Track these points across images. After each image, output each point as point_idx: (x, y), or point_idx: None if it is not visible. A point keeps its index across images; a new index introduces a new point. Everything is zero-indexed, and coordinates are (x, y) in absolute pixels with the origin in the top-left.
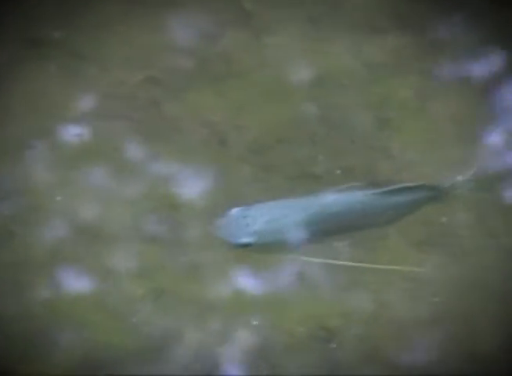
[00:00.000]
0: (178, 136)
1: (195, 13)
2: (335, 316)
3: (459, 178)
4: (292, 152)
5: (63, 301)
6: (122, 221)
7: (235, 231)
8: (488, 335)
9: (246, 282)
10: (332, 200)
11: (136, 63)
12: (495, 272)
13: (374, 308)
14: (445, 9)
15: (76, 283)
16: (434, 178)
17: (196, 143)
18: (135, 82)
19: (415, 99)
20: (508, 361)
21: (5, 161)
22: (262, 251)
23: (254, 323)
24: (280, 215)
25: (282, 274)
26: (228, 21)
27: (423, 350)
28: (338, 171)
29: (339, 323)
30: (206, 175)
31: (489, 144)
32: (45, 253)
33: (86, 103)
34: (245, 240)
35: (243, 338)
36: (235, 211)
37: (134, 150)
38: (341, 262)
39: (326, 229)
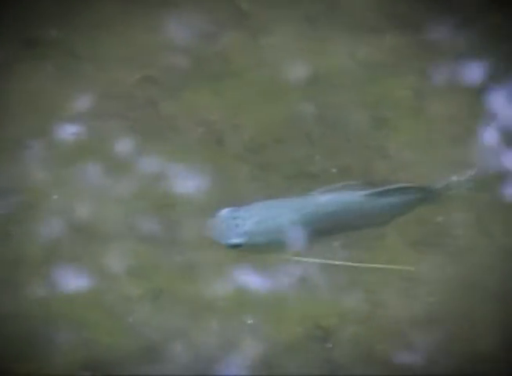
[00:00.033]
0: (174, 135)
1: (191, 13)
2: (332, 316)
3: (454, 178)
4: (289, 151)
5: (60, 301)
6: (119, 220)
7: (225, 232)
8: (484, 335)
9: (244, 281)
10: (324, 200)
11: (133, 62)
12: (491, 272)
13: (370, 307)
14: (441, 9)
15: (72, 282)
16: (430, 178)
17: (192, 142)
18: (131, 81)
19: (411, 99)
20: (505, 361)
21: (2, 160)
22: (253, 251)
23: (249, 321)
24: (271, 215)
25: (279, 274)
26: (224, 21)
27: (419, 350)
28: (334, 170)
29: (335, 322)
30: (203, 174)
31: (486, 144)
32: (41, 252)
33: (83, 102)
34: (235, 240)
35: (241, 338)
36: (225, 211)
37: (131, 149)
38: (333, 262)
39: (318, 230)
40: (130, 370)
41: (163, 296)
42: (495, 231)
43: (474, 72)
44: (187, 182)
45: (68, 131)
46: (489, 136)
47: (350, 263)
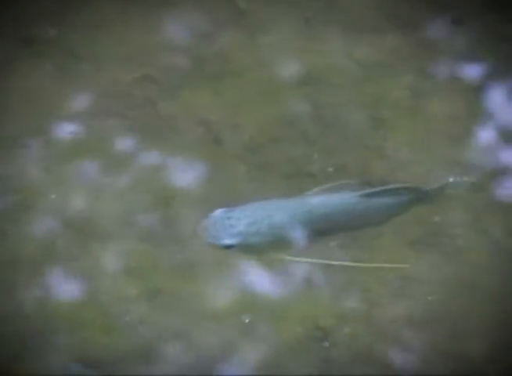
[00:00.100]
0: (173, 135)
1: (190, 12)
2: (330, 316)
3: (450, 179)
4: (287, 150)
5: (57, 301)
6: (116, 219)
7: (218, 232)
8: (481, 334)
9: (243, 281)
10: (319, 201)
11: (132, 61)
12: (488, 271)
13: (368, 307)
14: (439, 8)
15: (69, 282)
16: (428, 177)
17: (191, 142)
18: (130, 81)
19: (409, 99)
20: (502, 360)
21: (0, 161)
22: (247, 252)
23: (246, 321)
24: (265, 216)
25: (277, 274)
26: (222, 20)
27: (416, 350)
28: (332, 170)
29: (333, 322)
30: (201, 173)
31: (484, 144)
32: (38, 252)
33: (81, 101)
34: (228, 241)
35: (240, 338)
36: (219, 212)
37: (129, 149)
38: (327, 262)
39: (313, 230)
40: (127, 369)
41: (160, 295)
42: (493, 231)
43: (472, 71)
44: (185, 182)
45: (66, 130)
46: (488, 136)
47: (344, 263)
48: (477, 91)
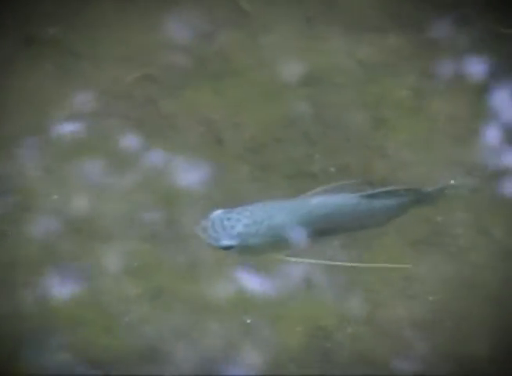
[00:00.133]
0: (174, 134)
1: (191, 11)
2: (331, 316)
3: (451, 181)
4: (288, 151)
5: (58, 301)
6: (118, 219)
7: (217, 233)
8: (484, 335)
9: (245, 281)
10: (318, 202)
11: (132, 60)
12: (490, 271)
13: (370, 307)
14: (441, 8)
15: (71, 282)
16: (429, 178)
17: (193, 141)
18: (131, 80)
19: (411, 99)
20: (504, 361)
21: (1, 160)
22: (246, 253)
23: (248, 321)
24: (264, 217)
25: (279, 274)
26: (224, 19)
27: (418, 350)
28: (333, 170)
29: (335, 322)
30: (203, 173)
31: (486, 143)
32: (38, 252)
33: (82, 101)
34: (227, 242)
35: (241, 338)
36: (217, 213)
37: (130, 148)
38: (326, 262)
39: (312, 231)
40: (129, 369)
41: (163, 295)
42: (495, 231)
43: (475, 71)
44: (187, 181)
45: (67, 130)
46: (490, 136)
47: (345, 263)
48: (480, 91)
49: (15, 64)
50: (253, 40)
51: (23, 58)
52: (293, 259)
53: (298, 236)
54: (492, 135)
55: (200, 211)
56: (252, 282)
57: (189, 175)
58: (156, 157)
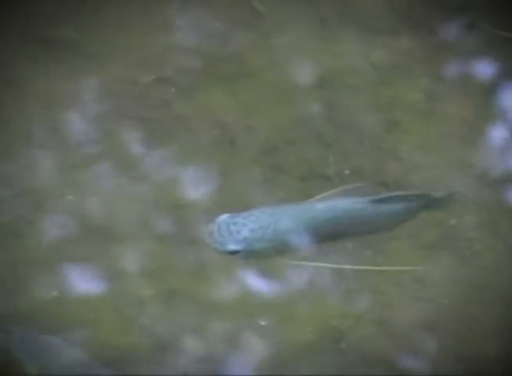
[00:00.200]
0: (188, 136)
1: (205, 13)
2: (344, 318)
3: (460, 187)
4: (302, 153)
5: (72, 301)
6: (131, 220)
7: (223, 238)
8: (496, 337)
9: (256, 283)
10: (325, 206)
11: (147, 62)
12: (502, 275)
13: (381, 309)
14: (451, 10)
15: (85, 282)
16: (441, 180)
17: (206, 143)
18: (146, 82)
19: (424, 101)
20: None
21: (14, 160)
22: (252, 258)
23: (263, 323)
24: (270, 221)
25: (290, 275)
26: (238, 21)
27: (429, 351)
28: (347, 172)
29: (348, 324)
30: (216, 175)
31: (497, 146)
32: (53, 252)
33: (96, 102)
34: (233, 247)
35: (253, 339)
36: (223, 217)
37: (144, 150)
38: (335, 266)
39: (319, 236)
40: (141, 369)
41: (176, 297)
42: (507, 234)
43: (486, 74)
44: (200, 183)
45: (81, 132)
46: (501, 138)
47: (353, 266)
48: (491, 93)
49: (31, 65)
50: (266, 41)
51: (41, 60)
52: (301, 263)
53: (304, 240)
54: (503, 137)
55: (213, 213)
56: (262, 284)
57: (202, 176)
58: (169, 158)
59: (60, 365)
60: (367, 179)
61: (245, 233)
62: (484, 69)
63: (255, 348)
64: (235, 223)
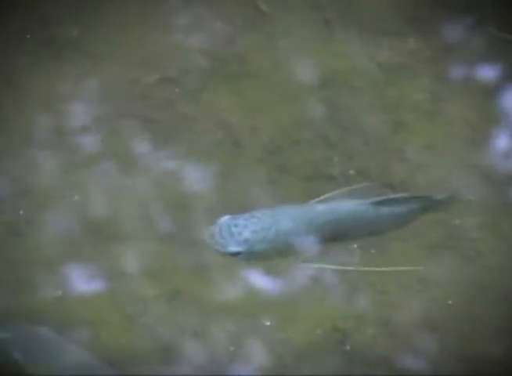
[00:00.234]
0: (192, 136)
1: (210, 14)
2: (347, 319)
3: (462, 188)
4: (307, 153)
5: (75, 301)
6: (133, 220)
7: (224, 239)
8: (500, 337)
9: (259, 283)
10: (326, 208)
11: (151, 62)
12: (507, 275)
13: (386, 310)
14: (456, 11)
15: (88, 282)
16: (447, 181)
17: (210, 144)
18: (150, 82)
19: (429, 102)
20: None
21: (15, 160)
22: (253, 259)
23: (267, 323)
24: (272, 222)
25: (294, 276)
26: (242, 22)
27: (433, 352)
28: (352, 172)
29: (353, 324)
30: (220, 175)
31: (502, 146)
32: (54, 252)
33: (100, 102)
34: (234, 248)
35: (256, 339)
36: (225, 219)
37: (148, 150)
38: (336, 267)
39: (320, 237)
40: (145, 369)
41: (179, 297)
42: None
43: (491, 75)
44: (204, 184)
45: (84, 132)
46: (506, 139)
47: (351, 267)
48: (496, 94)
49: (31, 64)
50: (271, 42)
51: (40, 58)
52: (303, 264)
53: (306, 242)
54: (507, 138)
55: (217, 213)
56: (266, 284)
57: (207, 177)
58: (173, 158)
59: (61, 365)
60: (372, 180)
61: (246, 234)
62: (489, 70)
63: (258, 349)
64: (236, 225)
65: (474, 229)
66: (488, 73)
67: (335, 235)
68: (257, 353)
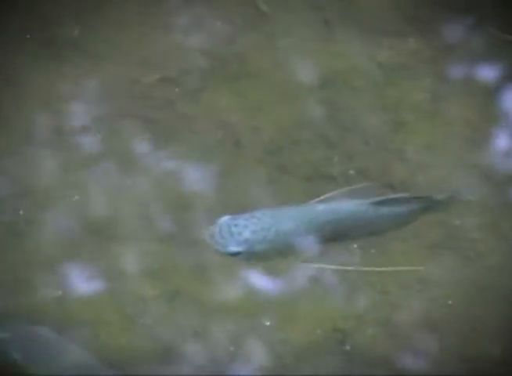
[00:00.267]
0: (192, 136)
1: (210, 13)
2: (348, 319)
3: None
4: (307, 153)
5: (75, 301)
6: (133, 220)
7: (224, 239)
8: (500, 337)
9: (259, 283)
10: (326, 208)
11: (151, 62)
12: (507, 275)
13: (386, 310)
14: (456, 11)
15: (87, 282)
16: (447, 181)
17: (210, 144)
18: (150, 82)
19: (429, 102)
20: None
21: (14, 159)
22: (253, 259)
23: (267, 323)
24: (272, 223)
25: (294, 276)
26: (243, 22)
27: (434, 352)
28: (352, 172)
29: (352, 325)
30: (220, 175)
31: (502, 146)
32: (53, 252)
33: (100, 102)
34: (234, 248)
35: (256, 339)
36: (224, 219)
37: (148, 150)
38: (336, 267)
39: (320, 237)
40: (145, 370)
41: (179, 297)
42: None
43: (492, 75)
44: (204, 184)
45: (83, 131)
46: (506, 139)
47: (352, 268)
48: (495, 94)
49: (31, 64)
50: (271, 42)
51: (42, 59)
52: (303, 264)
53: (306, 242)
54: (507, 138)
55: (217, 213)
56: (266, 284)
57: (207, 177)
58: (173, 158)
59: (60, 365)
60: (372, 180)
61: (246, 234)
62: (489, 70)
63: (258, 349)
64: (236, 225)
65: (474, 229)
66: (488, 73)
67: (335, 235)
68: (257, 353)
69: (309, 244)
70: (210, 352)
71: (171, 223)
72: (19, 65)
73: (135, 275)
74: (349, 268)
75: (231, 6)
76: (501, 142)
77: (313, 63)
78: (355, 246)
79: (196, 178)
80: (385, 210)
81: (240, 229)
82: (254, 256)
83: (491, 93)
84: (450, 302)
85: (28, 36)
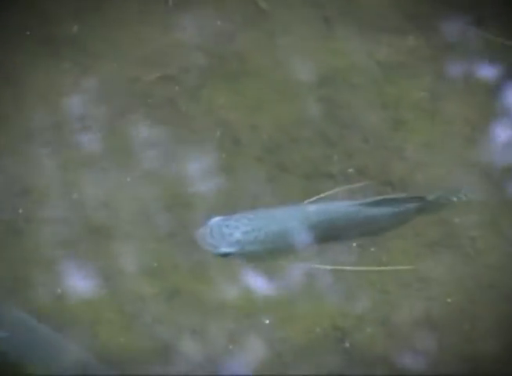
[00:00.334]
0: (192, 135)
1: (209, 12)
2: (347, 317)
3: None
4: (306, 151)
5: (74, 300)
6: (133, 219)
7: (215, 240)
8: (500, 336)
9: (258, 282)
10: (317, 209)
11: (151, 61)
12: (507, 273)
13: (385, 308)
14: (457, 9)
15: (86, 281)
16: (446, 179)
17: (210, 142)
18: (150, 80)
19: (428, 100)
20: None
21: (14, 158)
22: (245, 260)
23: (266, 322)
24: (263, 223)
25: (293, 275)
26: (242, 20)
27: (434, 350)
28: (351, 170)
29: (351, 323)
30: (219, 173)
31: (501, 145)
32: (53, 251)
33: (100, 100)
34: (225, 249)
35: (255, 338)
36: (216, 220)
37: (148, 148)
38: (330, 267)
39: (312, 238)
40: (144, 369)
41: (179, 296)
42: (511, 232)
43: (491, 73)
44: (203, 182)
45: (83, 130)
46: (506, 137)
47: (346, 267)
48: (495, 93)
49: (31, 62)
50: (270, 40)
51: (42, 57)
52: (296, 264)
53: (298, 243)
54: (507, 136)
55: (216, 212)
56: (265, 283)
57: (206, 175)
58: (173, 157)
59: (60, 364)
60: (372, 178)
61: (237, 235)
62: (488, 68)
63: (257, 347)
64: (227, 226)
65: (473, 227)
66: (487, 71)
67: (328, 235)
68: (257, 352)
69: (301, 244)
70: (210, 351)
71: (170, 222)
72: (18, 62)
73: (134, 273)
74: (345, 268)
75: (230, 4)
76: (500, 140)
77: (312, 60)
78: (354, 244)
79: (195, 176)
80: (377, 211)
81: (231, 230)
82: (245, 257)
83: (490, 91)
84: (449, 300)
85: (28, 33)
